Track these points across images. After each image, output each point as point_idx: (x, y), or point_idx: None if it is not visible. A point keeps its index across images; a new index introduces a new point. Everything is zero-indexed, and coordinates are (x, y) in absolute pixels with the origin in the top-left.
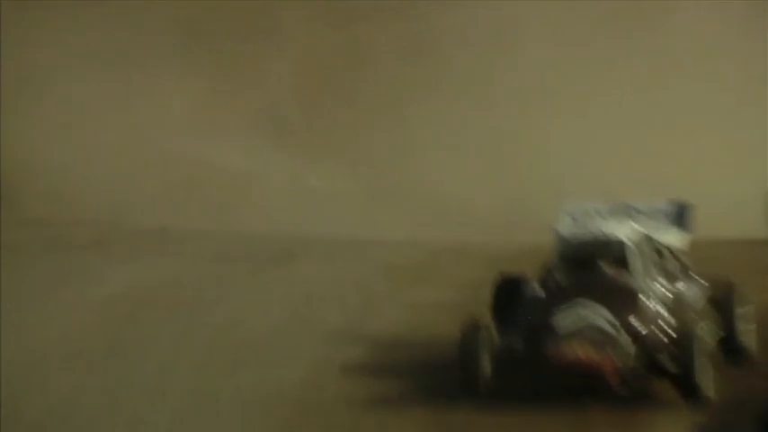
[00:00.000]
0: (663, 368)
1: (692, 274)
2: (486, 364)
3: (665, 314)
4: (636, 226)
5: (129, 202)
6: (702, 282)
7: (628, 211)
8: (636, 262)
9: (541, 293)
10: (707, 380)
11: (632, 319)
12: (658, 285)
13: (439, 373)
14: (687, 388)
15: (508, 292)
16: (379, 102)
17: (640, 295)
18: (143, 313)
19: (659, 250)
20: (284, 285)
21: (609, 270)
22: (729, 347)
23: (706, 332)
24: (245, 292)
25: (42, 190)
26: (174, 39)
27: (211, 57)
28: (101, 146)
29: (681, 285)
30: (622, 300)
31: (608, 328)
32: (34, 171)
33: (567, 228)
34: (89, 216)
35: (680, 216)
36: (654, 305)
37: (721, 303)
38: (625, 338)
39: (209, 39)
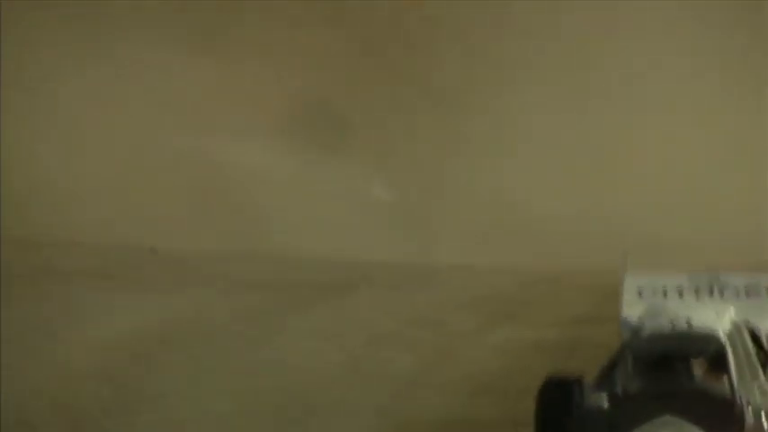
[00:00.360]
0: None
1: None
2: None
3: None
4: (729, 308)
5: (139, 219)
6: None
7: (716, 287)
8: (735, 362)
9: (604, 403)
10: None
11: None
12: (760, 390)
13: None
14: None
15: (558, 400)
16: (451, 96)
17: (745, 410)
18: (158, 357)
19: (758, 339)
20: (339, 321)
21: (699, 374)
22: None
23: None
24: (290, 329)
25: (35, 207)
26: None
27: (243, 40)
28: (107, 153)
29: None
30: (721, 417)
31: None
32: (27, 186)
33: (636, 313)
34: (90, 239)
35: None
36: (762, 420)
37: None
38: None
39: (235, 16)
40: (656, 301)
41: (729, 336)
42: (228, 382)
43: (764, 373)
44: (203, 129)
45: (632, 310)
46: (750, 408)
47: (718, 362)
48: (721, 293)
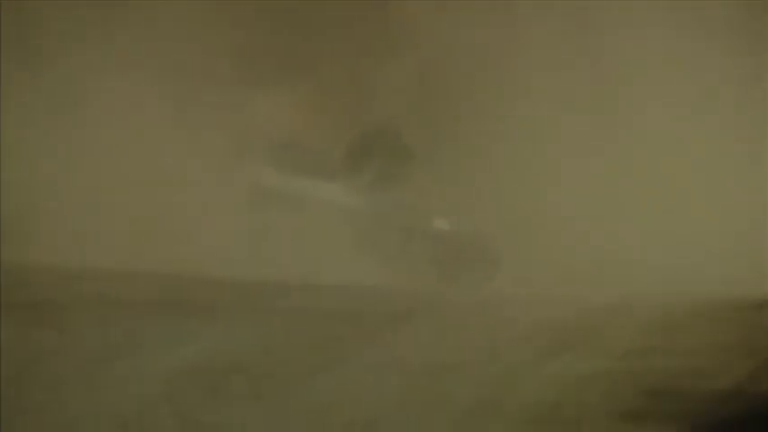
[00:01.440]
0: None
1: None
2: None
3: None
4: None
5: (200, 247)
6: None
7: None
8: None
9: None
10: None
11: None
12: None
13: None
14: None
15: None
16: (514, 118)
17: None
18: (222, 389)
19: None
20: (399, 352)
21: None
22: None
23: None
24: (350, 359)
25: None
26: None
27: (299, 62)
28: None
29: None
30: None
31: None
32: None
33: None
34: (136, 267)
35: None
36: None
37: None
38: None
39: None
40: None
41: None
42: (293, 416)
43: None
44: (264, 158)
45: None
46: None
47: None
48: None
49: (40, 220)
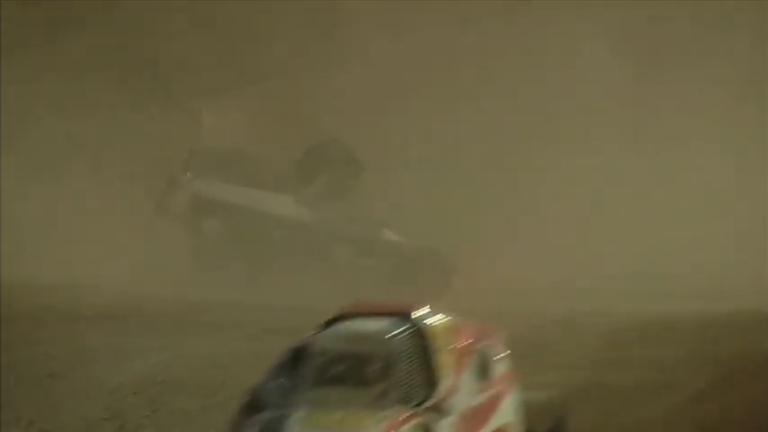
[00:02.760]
0: None
1: None
2: None
3: None
4: None
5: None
6: None
7: None
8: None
9: None
10: None
11: None
12: None
13: None
14: None
15: None
16: (465, 130)
17: None
18: (169, 404)
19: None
20: None
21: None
22: None
23: None
24: None
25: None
26: None
27: (246, 73)
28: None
29: None
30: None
31: None
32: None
33: None
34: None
35: None
36: None
37: None
38: None
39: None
40: None
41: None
42: None
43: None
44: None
45: None
46: None
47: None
48: None
49: None
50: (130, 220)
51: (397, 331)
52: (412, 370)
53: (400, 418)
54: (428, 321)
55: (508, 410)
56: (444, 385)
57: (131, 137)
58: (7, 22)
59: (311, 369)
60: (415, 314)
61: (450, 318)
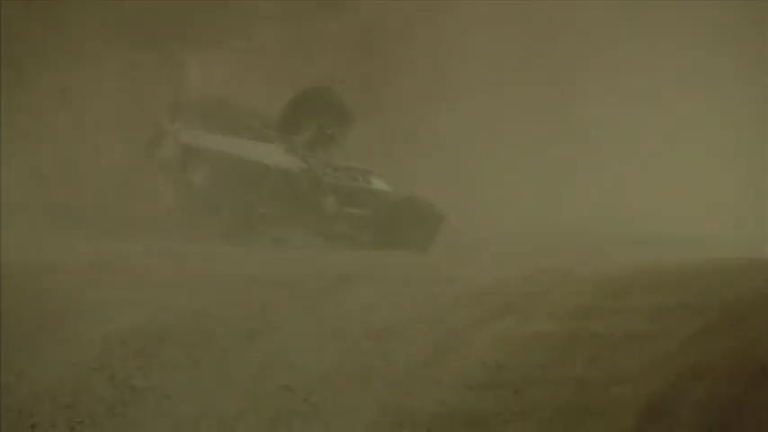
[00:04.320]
0: None
1: None
2: None
3: None
4: None
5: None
6: None
7: None
8: None
9: None
10: None
11: None
12: None
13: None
14: None
15: None
16: (457, 79)
17: None
18: (157, 355)
19: None
20: (338, 316)
21: None
22: None
23: None
24: (288, 324)
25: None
26: None
27: (234, 20)
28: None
29: None
30: None
31: None
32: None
33: None
34: (72, 233)
35: None
36: None
37: None
38: None
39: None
40: None
41: None
42: (230, 380)
43: None
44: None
45: None
46: None
47: None
48: None
49: None
50: (117, 171)
51: None
52: None
53: None
54: None
55: None
56: None
57: (118, 88)
58: None
59: None
60: None
61: None
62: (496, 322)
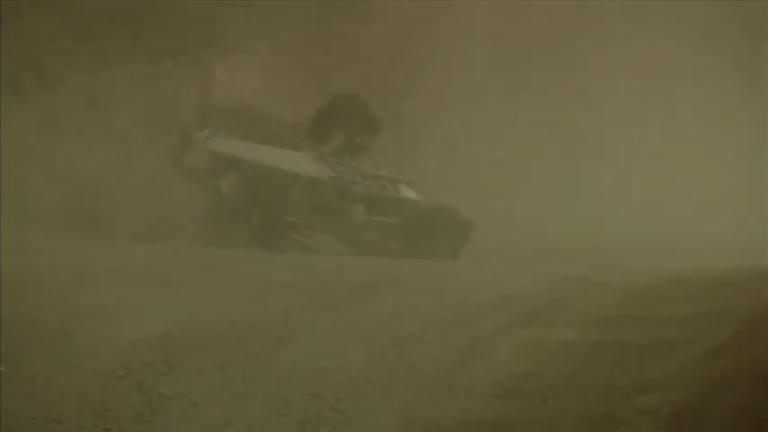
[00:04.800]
0: None
1: None
2: None
3: None
4: None
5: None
6: None
7: None
8: None
9: None
10: None
11: None
12: None
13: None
14: None
15: None
16: (487, 89)
17: None
18: (185, 361)
19: None
20: (364, 322)
21: None
22: None
23: None
24: (317, 331)
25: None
26: None
27: (263, 28)
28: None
29: None
30: None
31: None
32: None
33: None
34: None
35: None
36: None
37: None
38: None
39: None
40: None
41: None
42: (259, 385)
43: None
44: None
45: None
46: None
47: None
48: None
49: None
50: (145, 177)
51: None
52: None
53: None
54: None
55: None
56: None
57: (146, 94)
58: None
59: None
60: None
61: None
62: (522, 330)
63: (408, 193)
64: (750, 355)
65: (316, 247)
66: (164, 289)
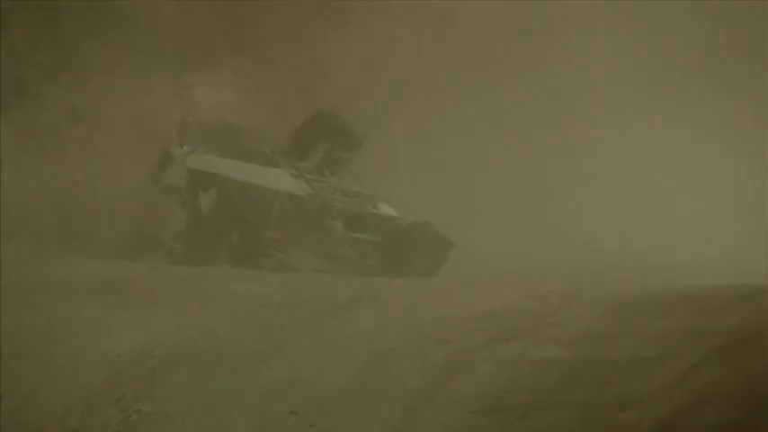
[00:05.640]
0: None
1: None
2: None
3: None
4: None
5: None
6: None
7: None
8: None
9: None
10: None
11: None
12: None
13: None
14: None
15: None
16: (467, 105)
17: None
18: (165, 377)
19: None
20: (345, 339)
21: None
22: None
23: None
24: (297, 347)
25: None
26: None
27: (243, 44)
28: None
29: None
30: None
31: None
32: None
33: None
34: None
35: None
36: None
37: None
38: None
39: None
40: None
41: None
42: (240, 400)
43: None
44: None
45: None
46: None
47: None
48: None
49: None
50: (127, 193)
51: None
52: None
53: None
54: None
55: None
56: None
57: (127, 110)
58: None
59: None
60: None
61: None
62: (504, 345)
63: (387, 209)
64: (731, 370)
65: (295, 263)
66: (145, 305)
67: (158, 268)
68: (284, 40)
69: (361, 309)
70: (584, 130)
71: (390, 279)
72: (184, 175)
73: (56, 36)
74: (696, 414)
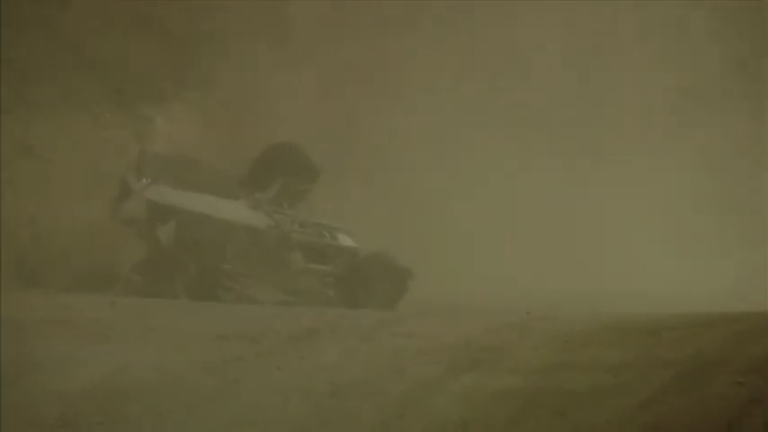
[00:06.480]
0: None
1: None
2: None
3: None
4: None
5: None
6: None
7: None
8: None
9: None
10: None
11: None
12: None
13: None
14: None
15: None
16: (421, 135)
17: None
18: (121, 411)
19: None
20: (303, 371)
21: None
22: None
23: None
24: (255, 380)
25: None
26: None
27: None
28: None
29: None
30: None
31: None
32: None
33: None
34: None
35: None
36: None
37: None
38: None
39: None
40: None
41: None
42: None
43: None
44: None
45: None
46: None
47: None
48: None
49: None
50: (82, 227)
51: None
52: None
53: None
54: None
55: None
56: None
57: (82, 142)
58: None
59: None
60: None
61: None
62: (461, 377)
63: (346, 240)
64: (687, 400)
65: (254, 295)
66: (101, 339)
67: (116, 302)
68: (236, 71)
69: (320, 340)
70: (540, 157)
71: (349, 310)
72: (143, 207)
73: (8, 69)
74: None
